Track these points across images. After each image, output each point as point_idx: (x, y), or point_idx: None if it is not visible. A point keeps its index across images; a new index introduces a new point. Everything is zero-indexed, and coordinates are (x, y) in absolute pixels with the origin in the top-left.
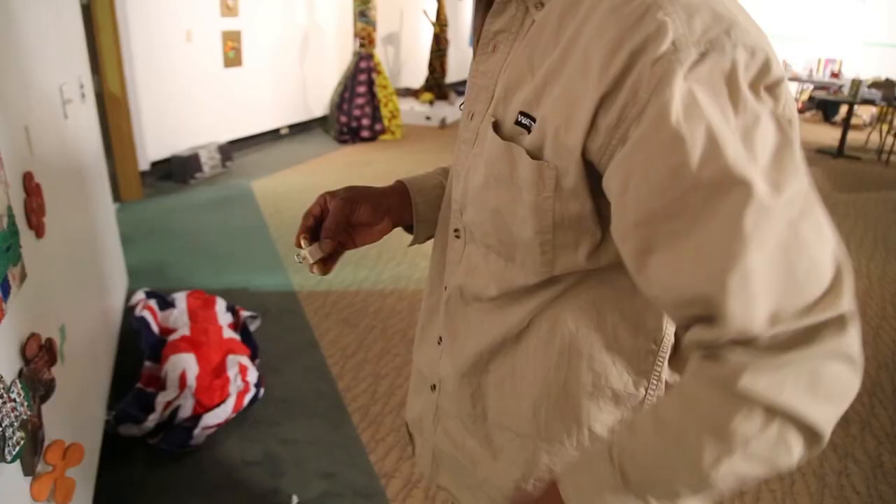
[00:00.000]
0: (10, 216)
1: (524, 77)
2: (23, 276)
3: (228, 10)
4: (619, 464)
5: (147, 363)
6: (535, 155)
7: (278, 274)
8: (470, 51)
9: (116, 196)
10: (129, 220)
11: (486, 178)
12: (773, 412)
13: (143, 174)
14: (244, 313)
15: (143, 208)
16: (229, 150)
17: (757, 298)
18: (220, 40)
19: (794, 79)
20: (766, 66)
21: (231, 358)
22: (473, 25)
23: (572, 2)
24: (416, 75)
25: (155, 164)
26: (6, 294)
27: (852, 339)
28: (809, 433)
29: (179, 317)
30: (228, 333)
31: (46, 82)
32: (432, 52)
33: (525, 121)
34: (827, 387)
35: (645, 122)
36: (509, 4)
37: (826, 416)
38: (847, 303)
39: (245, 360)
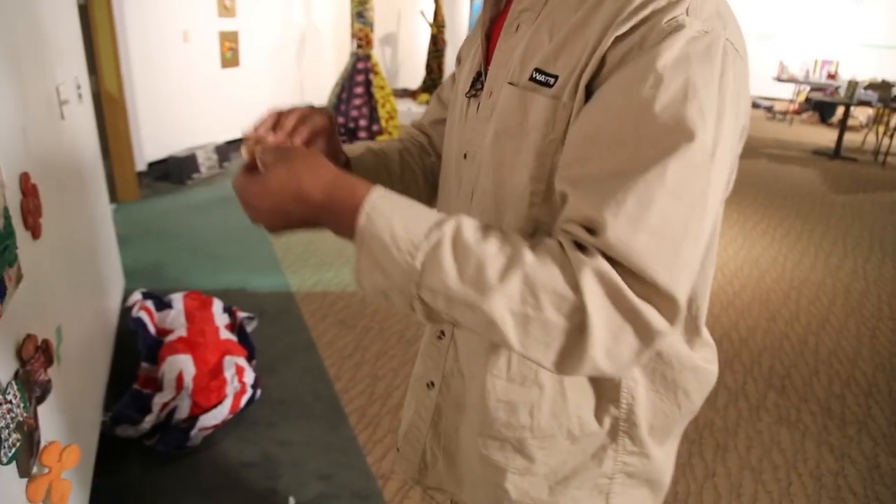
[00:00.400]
0: (7, 217)
1: (542, 44)
2: (19, 277)
3: (226, 10)
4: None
5: (144, 364)
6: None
7: (275, 275)
8: None
9: (113, 196)
10: (125, 220)
11: (495, 134)
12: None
13: (140, 175)
14: (241, 314)
15: (139, 209)
16: (227, 150)
17: (642, 235)
18: (218, 41)
19: (791, 80)
20: (743, 70)
21: (228, 359)
22: (483, 13)
23: None
24: (413, 76)
25: (152, 165)
26: (2, 295)
27: (664, 336)
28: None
29: (176, 318)
30: (225, 334)
31: (43, 83)
32: (430, 53)
33: (541, 77)
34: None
35: (638, 61)
36: None
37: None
38: (677, 313)
39: (242, 362)
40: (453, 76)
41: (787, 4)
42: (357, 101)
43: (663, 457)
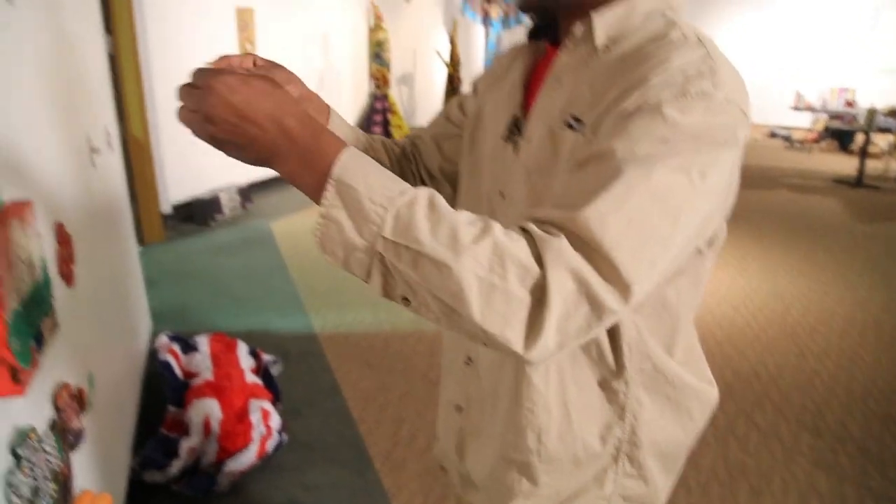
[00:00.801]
0: (44, 267)
1: (583, 97)
2: (55, 326)
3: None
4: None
5: (170, 408)
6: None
7: (298, 316)
8: None
9: (139, 239)
10: (151, 262)
11: (527, 172)
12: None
13: (165, 217)
14: (266, 357)
15: (165, 251)
16: (249, 191)
17: (616, 220)
18: None
19: (808, 109)
20: (746, 134)
21: (254, 403)
22: (515, 56)
23: (637, 49)
24: (430, 114)
25: (176, 207)
26: (40, 345)
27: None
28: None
29: (202, 361)
30: (251, 378)
31: (76, 132)
32: (446, 92)
33: (575, 124)
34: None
35: (656, 109)
36: (580, 45)
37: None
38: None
39: (268, 405)
40: (461, 102)
41: (802, 33)
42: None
43: (661, 482)
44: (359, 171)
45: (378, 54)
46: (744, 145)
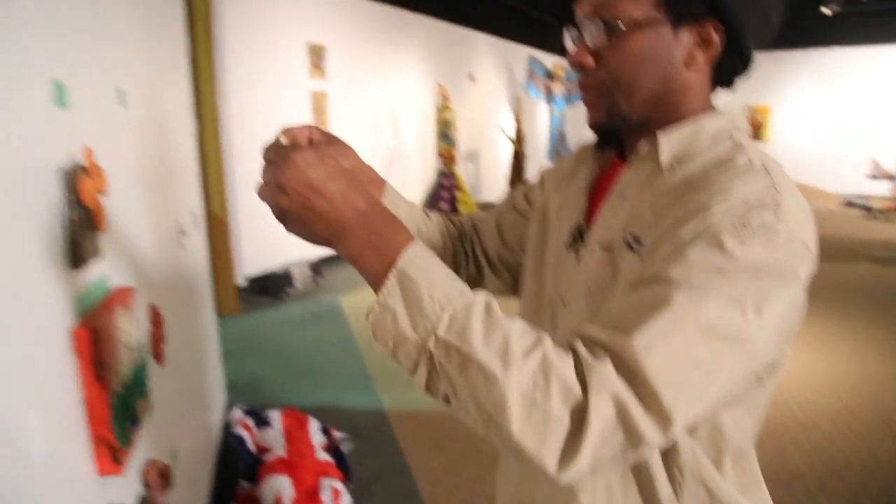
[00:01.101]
0: (142, 350)
1: (644, 216)
2: (149, 408)
3: None
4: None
5: (243, 483)
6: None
7: (368, 392)
8: (548, 164)
9: (216, 311)
10: (226, 334)
11: (587, 289)
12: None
13: (240, 289)
14: (337, 435)
15: (239, 323)
16: (320, 266)
17: (661, 351)
18: None
19: (887, 177)
20: (809, 268)
21: (324, 481)
22: (581, 160)
23: (702, 176)
24: (496, 189)
25: (251, 280)
26: (135, 426)
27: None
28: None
29: (275, 436)
30: (322, 455)
31: (168, 217)
32: (512, 167)
33: (634, 244)
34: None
35: (715, 241)
36: (645, 162)
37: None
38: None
39: (338, 485)
40: (526, 192)
41: (875, 100)
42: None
43: None
44: (423, 266)
45: (445, 133)
46: (807, 281)
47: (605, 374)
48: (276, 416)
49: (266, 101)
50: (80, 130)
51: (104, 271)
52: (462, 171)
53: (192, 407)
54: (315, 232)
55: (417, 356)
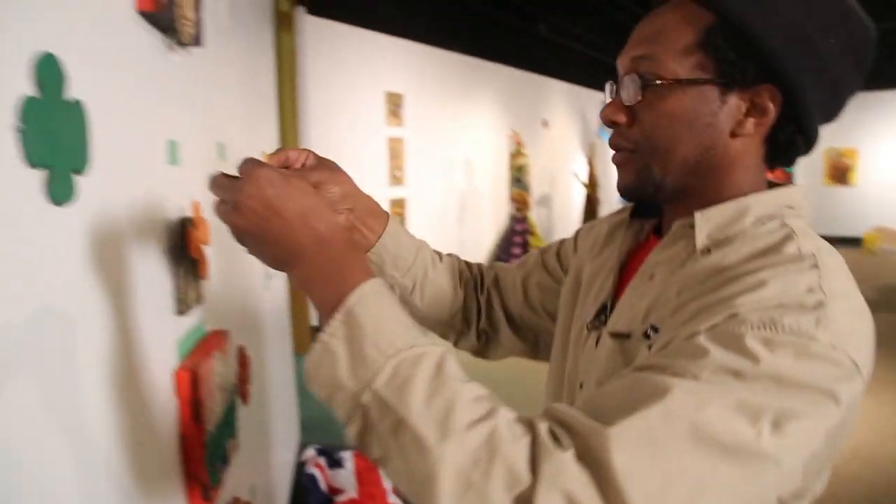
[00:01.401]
0: (233, 392)
1: (669, 302)
2: (237, 448)
3: (396, 180)
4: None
5: None
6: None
7: None
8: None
9: (293, 350)
10: (301, 373)
11: (597, 381)
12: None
13: (314, 328)
14: None
15: None
16: None
17: (643, 455)
18: (388, 207)
19: None
20: (857, 394)
21: None
22: (618, 233)
23: (739, 265)
24: (568, 233)
25: None
26: (225, 465)
27: None
28: None
29: (347, 477)
30: (393, 499)
31: (257, 261)
32: (585, 212)
33: (653, 334)
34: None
35: (743, 347)
36: (680, 241)
37: None
38: None
39: None
40: (559, 251)
41: None
42: (515, 262)
43: None
44: (375, 308)
45: (518, 178)
46: (850, 404)
47: (561, 465)
48: (348, 457)
49: (345, 146)
50: (189, 185)
51: (202, 315)
52: (535, 215)
53: (270, 444)
54: (268, 254)
55: (352, 408)
